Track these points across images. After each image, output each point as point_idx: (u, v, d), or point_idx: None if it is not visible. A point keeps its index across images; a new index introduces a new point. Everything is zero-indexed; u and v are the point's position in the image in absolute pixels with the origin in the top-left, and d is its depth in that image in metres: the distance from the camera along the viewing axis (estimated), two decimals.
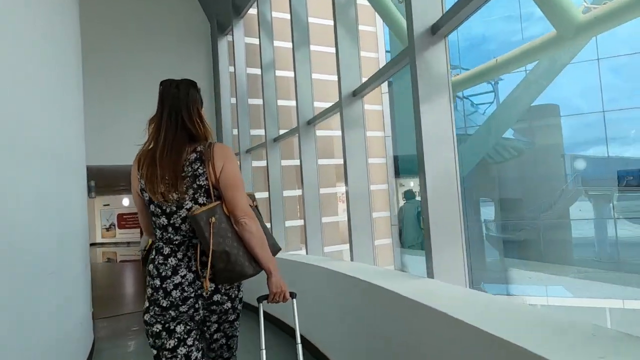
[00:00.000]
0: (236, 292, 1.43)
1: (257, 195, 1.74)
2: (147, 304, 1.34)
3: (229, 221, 1.34)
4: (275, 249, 1.51)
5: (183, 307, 1.32)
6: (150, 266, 1.35)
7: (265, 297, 1.45)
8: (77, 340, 2.74)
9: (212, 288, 1.35)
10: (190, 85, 1.41)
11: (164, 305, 1.31)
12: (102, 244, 16.72)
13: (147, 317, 1.34)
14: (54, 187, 2.36)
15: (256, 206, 1.51)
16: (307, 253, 3.62)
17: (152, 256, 1.37)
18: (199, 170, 1.33)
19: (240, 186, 1.37)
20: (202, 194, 1.34)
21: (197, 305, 1.34)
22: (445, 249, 1.85)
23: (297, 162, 4.06)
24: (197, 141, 1.38)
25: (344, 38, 2.80)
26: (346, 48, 2.81)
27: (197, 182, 1.33)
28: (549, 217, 8.79)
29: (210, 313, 1.39)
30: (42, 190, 2.12)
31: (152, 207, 1.38)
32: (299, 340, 1.50)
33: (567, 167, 9.66)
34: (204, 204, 1.34)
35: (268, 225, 4.40)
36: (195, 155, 1.35)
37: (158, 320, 1.33)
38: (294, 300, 1.52)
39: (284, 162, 4.71)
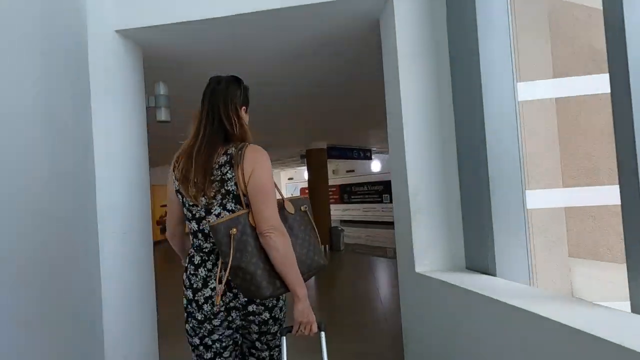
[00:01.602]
0: (274, 301, 1.29)
1: None
2: (185, 314, 1.31)
3: (253, 232, 1.20)
4: (315, 265, 1.31)
5: (215, 320, 1.27)
6: (184, 275, 1.31)
7: (289, 329, 1.26)
8: None
9: (226, 301, 1.25)
10: (231, 82, 1.34)
11: (199, 318, 1.27)
12: None
13: (187, 327, 1.32)
14: None
15: (305, 211, 1.36)
16: None
17: (186, 264, 1.32)
18: (227, 174, 1.22)
19: (268, 195, 1.20)
20: (230, 200, 1.23)
21: (230, 318, 1.27)
22: None
23: None
24: (231, 142, 1.27)
25: None
26: None
27: (225, 187, 1.22)
28: None
29: (248, 323, 1.28)
30: None
31: (184, 210, 1.31)
32: None
33: None
34: (232, 211, 1.23)
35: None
36: (225, 157, 1.23)
37: (196, 332, 1.29)
38: (323, 333, 1.29)
39: None
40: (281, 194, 1.34)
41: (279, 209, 1.25)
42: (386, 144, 10.09)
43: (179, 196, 1.31)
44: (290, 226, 1.30)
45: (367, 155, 10.35)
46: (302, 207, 1.36)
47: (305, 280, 1.26)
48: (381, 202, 14.87)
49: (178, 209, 1.35)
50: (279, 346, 1.35)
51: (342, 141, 9.18)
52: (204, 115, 1.29)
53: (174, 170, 1.31)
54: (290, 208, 1.33)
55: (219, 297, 1.19)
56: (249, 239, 1.18)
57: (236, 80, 1.36)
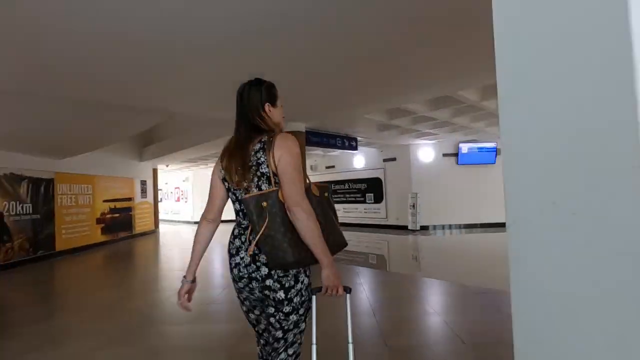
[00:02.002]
0: (292, 282, 1.39)
1: None
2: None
3: (282, 207, 1.36)
4: (339, 242, 1.51)
5: (240, 283, 1.45)
6: (228, 242, 1.51)
7: (319, 290, 1.41)
8: None
9: (256, 255, 1.39)
10: (253, 85, 1.52)
11: (232, 277, 1.48)
12: None
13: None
14: None
15: (328, 198, 1.54)
16: None
17: (230, 234, 1.50)
18: (261, 159, 1.40)
19: (293, 178, 1.37)
20: (264, 181, 1.39)
21: (251, 286, 1.42)
22: None
23: None
24: (264, 132, 1.46)
25: None
26: None
27: (260, 170, 1.39)
28: None
29: (265, 297, 1.41)
30: None
31: (230, 194, 1.52)
32: (350, 339, 1.46)
33: None
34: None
35: None
36: (259, 145, 1.42)
37: (235, 287, 1.50)
38: (348, 295, 1.47)
39: None
40: (308, 179, 1.49)
41: (305, 190, 1.39)
42: (376, 133, 8.50)
43: (226, 183, 1.50)
44: (314, 207, 1.40)
45: (352, 145, 8.85)
46: (325, 194, 1.54)
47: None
48: (364, 202, 13.42)
49: (221, 196, 1.55)
50: (294, 332, 1.43)
51: (325, 125, 7.61)
52: (237, 117, 1.50)
53: (221, 162, 1.51)
54: (315, 191, 1.49)
55: (251, 249, 1.37)
56: (278, 212, 1.34)
57: (257, 83, 1.53)
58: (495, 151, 11.29)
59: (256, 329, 1.55)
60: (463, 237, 10.19)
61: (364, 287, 5.03)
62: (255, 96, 1.48)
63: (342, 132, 8.45)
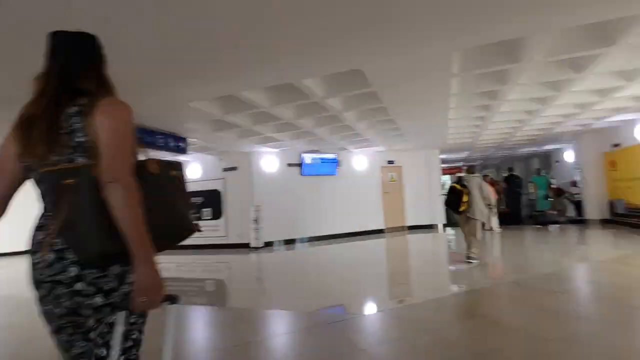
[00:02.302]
0: (114, 284, 1.10)
1: None
2: None
3: (95, 185, 1.08)
4: (184, 227, 1.26)
5: (41, 290, 1.13)
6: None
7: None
8: None
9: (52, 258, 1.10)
10: (85, 38, 1.26)
11: (32, 284, 1.16)
12: None
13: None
14: None
15: (178, 177, 1.28)
16: None
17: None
18: (76, 125, 1.12)
19: (117, 148, 1.11)
20: (79, 153, 1.12)
21: (56, 293, 1.10)
22: None
23: None
24: (84, 96, 1.18)
25: None
26: None
27: (75, 139, 1.12)
28: None
29: (78, 307, 1.10)
30: None
31: (33, 173, 1.18)
32: None
33: None
34: None
35: None
36: (77, 108, 1.14)
37: (37, 298, 1.18)
38: (171, 307, 1.18)
39: None
40: (144, 153, 1.24)
41: (138, 167, 1.16)
42: (211, 134, 6.92)
43: (24, 160, 1.18)
44: (150, 187, 1.17)
45: (179, 147, 7.10)
46: (172, 172, 1.27)
47: (164, 248, 1.18)
48: (199, 219, 11.52)
49: (12, 178, 1.21)
50: (125, 345, 1.13)
51: (141, 116, 5.71)
52: (52, 73, 1.19)
53: (16, 130, 1.18)
54: (154, 168, 1.21)
55: (46, 249, 1.10)
56: (87, 191, 1.09)
57: (86, 37, 1.27)
58: (337, 162, 11.37)
59: (68, 355, 1.16)
60: (308, 252, 9.64)
61: (191, 335, 3.51)
62: (88, 51, 1.26)
63: (166, 128, 6.65)
